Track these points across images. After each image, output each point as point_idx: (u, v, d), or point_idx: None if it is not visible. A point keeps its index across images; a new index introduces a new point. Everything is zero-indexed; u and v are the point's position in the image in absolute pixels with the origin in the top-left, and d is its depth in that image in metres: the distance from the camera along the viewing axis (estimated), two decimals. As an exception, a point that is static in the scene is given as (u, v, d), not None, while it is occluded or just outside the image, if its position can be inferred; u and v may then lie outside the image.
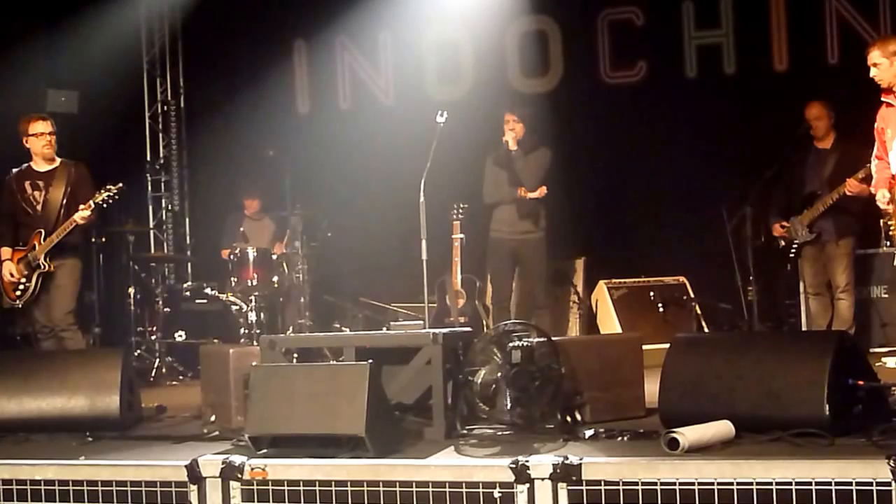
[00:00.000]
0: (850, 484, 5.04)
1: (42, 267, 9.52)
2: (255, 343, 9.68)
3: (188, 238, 14.81)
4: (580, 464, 5.45)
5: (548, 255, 10.95)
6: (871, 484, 5.03)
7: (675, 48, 12.82)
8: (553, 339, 6.83)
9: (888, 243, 10.27)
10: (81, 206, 9.42)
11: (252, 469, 5.91)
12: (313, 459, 5.95)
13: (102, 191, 9.47)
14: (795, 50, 12.43)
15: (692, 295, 11.80)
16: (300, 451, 6.07)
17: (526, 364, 6.52)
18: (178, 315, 12.27)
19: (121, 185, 9.52)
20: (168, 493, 5.99)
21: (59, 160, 9.81)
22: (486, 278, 11.40)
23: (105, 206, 9.54)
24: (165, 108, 14.70)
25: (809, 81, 11.91)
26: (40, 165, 9.77)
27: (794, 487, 5.11)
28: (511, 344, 6.62)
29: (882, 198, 8.24)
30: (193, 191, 14.81)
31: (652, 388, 6.91)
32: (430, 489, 5.63)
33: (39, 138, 9.70)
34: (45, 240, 9.51)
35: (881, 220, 8.69)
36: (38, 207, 9.67)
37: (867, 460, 5.14)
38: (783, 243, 10.60)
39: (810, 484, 5.09)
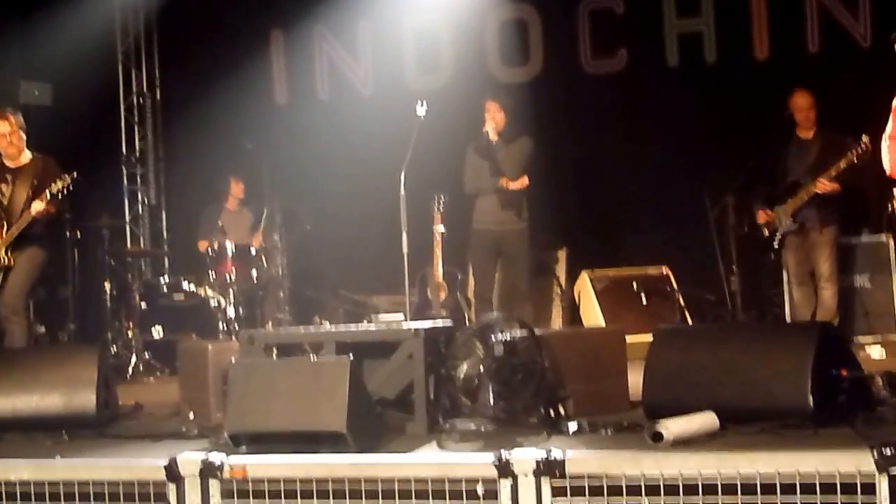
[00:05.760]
0: (833, 475, 5.05)
1: (2, 261, 9.51)
2: (233, 338, 9.68)
3: (165, 232, 14.78)
4: (564, 458, 5.45)
5: (530, 245, 10.95)
6: (854, 475, 5.04)
7: (656, 37, 12.83)
8: (536, 331, 6.85)
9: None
10: (37, 199, 9.42)
11: (232, 467, 5.89)
12: (294, 456, 5.94)
13: (58, 181, 9.46)
14: (776, 38, 12.45)
15: (675, 285, 11.80)
16: (280, 448, 6.05)
17: (508, 357, 6.54)
18: (155, 310, 12.21)
19: (74, 173, 9.51)
20: (146, 492, 5.96)
21: (30, 155, 9.79)
22: (467, 270, 11.40)
23: (60, 196, 9.51)
24: (141, 99, 14.66)
25: (790, 70, 11.94)
26: (9, 160, 9.77)
27: (777, 479, 5.12)
28: (493, 337, 6.63)
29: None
30: (170, 184, 14.78)
31: (635, 381, 6.93)
32: (413, 485, 5.62)
33: (0, 139, 9.71)
34: (6, 233, 9.51)
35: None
36: (4, 201, 9.67)
37: (851, 451, 5.15)
38: (766, 232, 10.62)
39: (794, 475, 5.10)
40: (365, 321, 10.32)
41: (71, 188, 9.52)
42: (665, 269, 11.92)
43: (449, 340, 7.02)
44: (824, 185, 10.04)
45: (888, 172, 8.46)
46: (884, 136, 8.53)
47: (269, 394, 6.32)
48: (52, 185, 9.45)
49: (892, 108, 8.40)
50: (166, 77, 14.67)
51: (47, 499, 6.04)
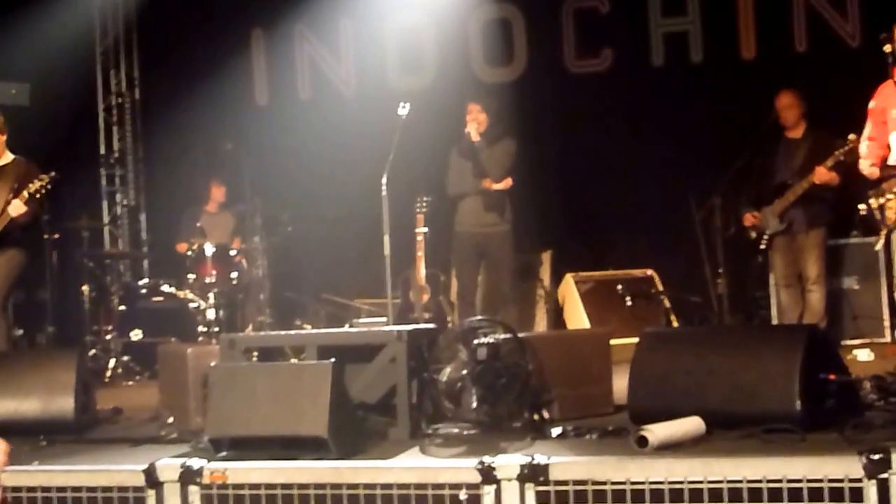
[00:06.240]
0: (821, 481, 5.05)
1: None
2: (214, 342, 9.65)
3: (144, 234, 14.76)
4: (548, 464, 5.45)
5: (514, 248, 10.95)
6: (842, 480, 5.04)
7: (641, 36, 12.84)
8: (520, 335, 6.83)
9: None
10: (15, 200, 9.38)
11: (212, 472, 5.87)
12: (275, 462, 5.92)
13: (35, 181, 9.42)
14: (763, 38, 12.46)
15: (661, 288, 11.80)
16: (261, 454, 6.04)
17: (492, 361, 6.51)
18: (135, 313, 12.17)
19: (53, 173, 9.46)
20: (125, 497, 5.94)
21: (11, 156, 9.74)
22: (450, 273, 11.41)
23: (39, 196, 9.47)
24: (120, 100, 14.64)
25: (777, 70, 11.95)
26: None
27: (765, 485, 5.11)
28: (477, 340, 6.60)
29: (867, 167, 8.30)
30: (149, 185, 14.76)
31: (621, 385, 6.91)
32: (395, 491, 5.62)
33: None
34: None
35: (868, 202, 8.61)
36: None
37: (839, 456, 5.15)
38: (753, 234, 10.61)
39: (781, 481, 5.10)
40: (347, 324, 10.31)
41: (49, 187, 9.47)
42: (650, 272, 11.92)
43: (432, 344, 7.00)
44: (822, 175, 10.00)
45: (866, 173, 8.49)
46: (862, 137, 8.56)
47: (250, 398, 6.29)
48: (31, 185, 9.40)
49: (868, 111, 8.43)
50: (146, 77, 14.66)
51: (25, 505, 6.03)
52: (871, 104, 8.48)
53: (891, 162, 8.27)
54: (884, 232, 8.07)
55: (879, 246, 8.53)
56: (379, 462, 5.94)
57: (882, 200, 8.08)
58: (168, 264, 13.03)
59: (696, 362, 6.42)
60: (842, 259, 11.11)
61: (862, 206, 8.49)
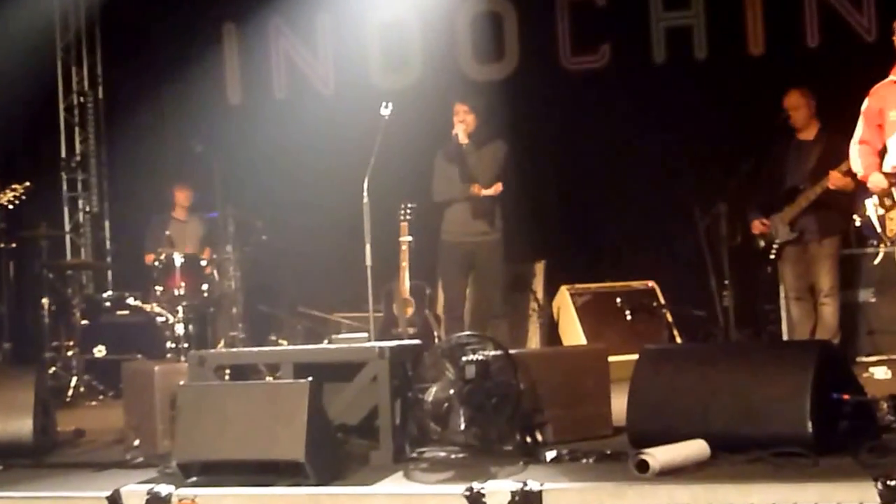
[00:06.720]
0: (835, 508, 5.08)
1: None
2: (182, 359, 9.65)
3: (108, 243, 14.74)
4: (541, 490, 5.46)
5: (505, 258, 10.94)
6: (857, 508, 5.06)
7: (642, 31, 12.86)
8: (511, 351, 6.84)
9: (874, 242, 10.27)
10: None
11: (180, 499, 5.89)
12: (248, 488, 5.93)
13: (7, 191, 9.42)
14: (772, 32, 12.48)
15: (662, 301, 11.81)
16: (233, 479, 6.05)
17: (481, 380, 6.53)
18: (98, 328, 12.17)
19: (28, 184, 9.47)
20: (87, 526, 5.96)
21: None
22: (437, 285, 11.41)
23: (11, 207, 9.47)
24: (82, 99, 14.63)
25: (788, 66, 11.98)
26: None
27: (774, 513, 5.13)
28: (465, 358, 6.61)
29: (877, 183, 8.31)
30: (114, 191, 14.74)
31: (619, 405, 6.92)
32: (377, 519, 5.63)
33: None
34: None
35: (869, 211, 8.63)
36: None
37: (853, 482, 5.17)
38: (762, 243, 10.63)
39: (792, 509, 5.12)
40: (325, 340, 10.30)
41: (24, 198, 9.49)
42: (651, 284, 11.93)
43: (416, 361, 7.02)
44: (837, 180, 9.98)
45: (860, 176, 8.53)
46: (852, 140, 8.59)
47: (221, 420, 6.30)
48: (2, 194, 9.41)
49: (860, 112, 8.46)
50: (110, 75, 14.64)
51: (-21, 535, 6.03)
52: (865, 105, 8.52)
53: (886, 168, 8.31)
54: (883, 247, 8.11)
55: (878, 261, 8.59)
56: (360, 489, 5.95)
57: (882, 211, 8.12)
58: (134, 276, 13.01)
59: (701, 381, 6.44)
60: (857, 270, 11.09)
61: (857, 216, 8.53)
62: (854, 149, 8.61)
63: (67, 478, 6.81)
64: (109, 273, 14.42)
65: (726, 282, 10.90)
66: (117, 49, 14.48)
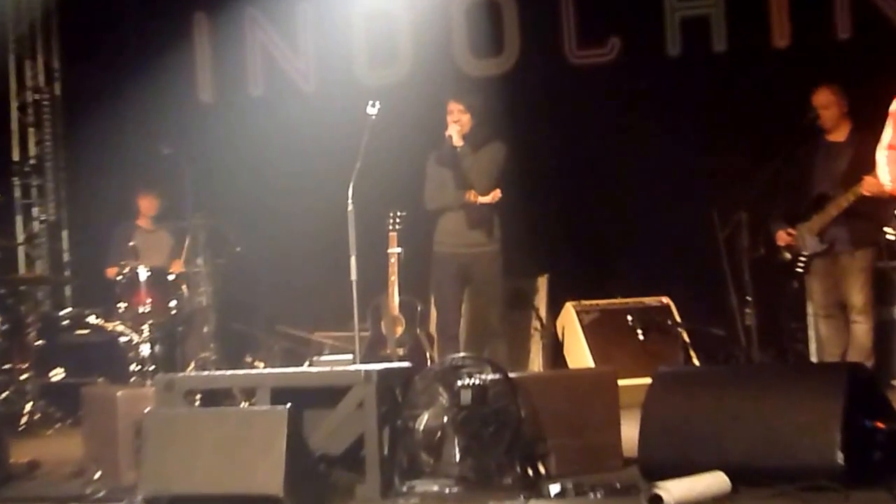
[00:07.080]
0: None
1: None
2: (148, 383, 9.65)
3: (66, 255, 14.73)
4: (544, 527, 5.48)
5: (504, 271, 10.96)
6: (892, 545, 5.08)
7: (655, 22, 12.88)
8: (510, 374, 6.86)
9: None
10: None
11: (146, 537, 5.90)
12: (221, 525, 5.95)
13: None
14: (799, 23, 12.48)
15: (678, 319, 11.83)
16: (205, 515, 6.06)
17: (478, 406, 6.55)
18: (55, 349, 12.17)
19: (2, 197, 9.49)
20: (43, 567, 5.97)
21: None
22: (429, 301, 11.41)
23: None
24: (37, 96, 14.63)
25: (816, 61, 11.99)
26: None
27: (800, 552, 5.15)
28: (460, 382, 6.64)
29: None
30: (72, 198, 14.74)
31: (630, 433, 6.94)
32: (363, 560, 5.64)
33: None
34: None
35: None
36: None
37: (888, 518, 5.19)
38: (788, 255, 10.65)
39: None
40: (306, 362, 10.32)
41: None
42: (666, 300, 11.95)
43: (407, 385, 7.03)
44: (872, 186, 9.87)
45: (888, 188, 8.49)
46: (879, 145, 8.55)
47: (192, 450, 6.32)
48: None
49: (889, 114, 8.42)
50: (68, 69, 14.66)
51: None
52: (895, 105, 8.46)
53: None
54: None
55: None
56: (344, 525, 5.96)
57: None
58: (95, 291, 13.03)
59: (720, 407, 6.46)
60: (892, 285, 11.10)
61: (889, 230, 8.52)
62: (881, 155, 8.54)
63: (22, 514, 6.83)
64: (68, 288, 14.43)
65: (748, 298, 10.87)
66: (77, 41, 14.49)
